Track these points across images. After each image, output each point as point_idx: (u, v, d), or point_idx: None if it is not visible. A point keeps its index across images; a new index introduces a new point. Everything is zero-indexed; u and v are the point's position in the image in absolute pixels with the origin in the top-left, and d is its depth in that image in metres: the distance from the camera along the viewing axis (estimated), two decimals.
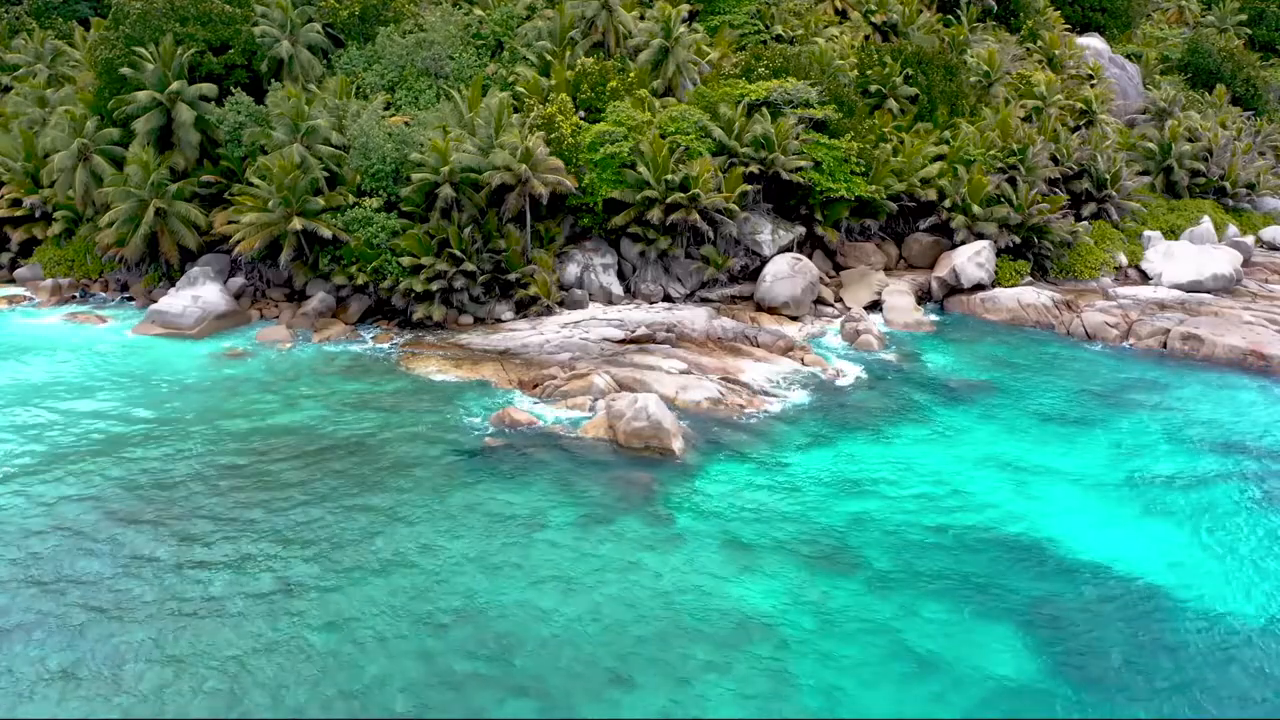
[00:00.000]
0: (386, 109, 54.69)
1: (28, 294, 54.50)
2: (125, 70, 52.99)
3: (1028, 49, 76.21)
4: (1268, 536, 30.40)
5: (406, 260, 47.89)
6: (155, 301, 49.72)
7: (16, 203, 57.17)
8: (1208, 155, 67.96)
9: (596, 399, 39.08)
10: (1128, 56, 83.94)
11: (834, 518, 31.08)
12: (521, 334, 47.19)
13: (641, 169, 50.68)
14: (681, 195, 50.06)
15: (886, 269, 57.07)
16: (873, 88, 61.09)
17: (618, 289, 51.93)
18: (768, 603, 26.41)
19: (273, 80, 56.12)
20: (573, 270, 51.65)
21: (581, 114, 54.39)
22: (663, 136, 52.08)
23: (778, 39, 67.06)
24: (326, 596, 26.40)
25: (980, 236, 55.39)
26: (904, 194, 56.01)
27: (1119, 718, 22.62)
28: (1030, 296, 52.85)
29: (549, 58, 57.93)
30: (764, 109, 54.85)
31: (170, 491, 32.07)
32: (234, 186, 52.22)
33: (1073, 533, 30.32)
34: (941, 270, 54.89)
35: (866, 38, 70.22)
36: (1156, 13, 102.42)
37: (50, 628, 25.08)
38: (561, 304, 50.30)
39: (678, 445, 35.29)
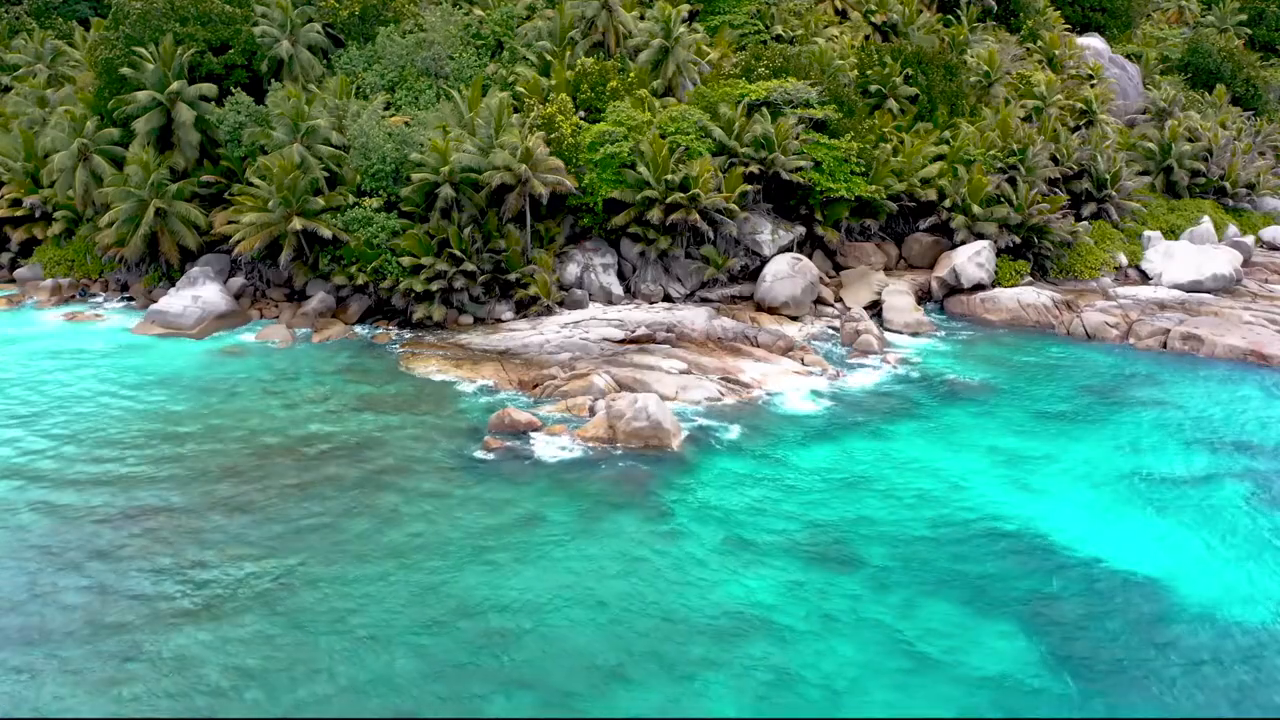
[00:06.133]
0: (386, 109, 54.68)
1: (28, 294, 54.52)
2: (125, 70, 53.02)
3: (1028, 49, 76.21)
4: (1268, 534, 30.39)
5: (406, 260, 47.90)
6: (155, 301, 49.74)
7: (16, 203, 57.19)
8: (1208, 155, 67.95)
9: (596, 399, 39.08)
10: (1128, 56, 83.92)
11: (833, 515, 31.10)
12: (521, 334, 47.19)
13: (641, 169, 50.68)
14: (681, 195, 50.05)
15: (886, 269, 57.05)
16: (873, 88, 61.09)
17: (618, 289, 51.92)
18: (767, 599, 26.41)
19: (273, 80, 56.14)
20: (573, 270, 51.65)
21: (581, 114, 54.39)
22: (663, 136, 52.07)
23: (778, 39, 67.06)
24: (325, 595, 26.39)
25: (980, 236, 55.39)
26: (904, 194, 55.98)
27: (1119, 717, 22.62)
28: (1030, 296, 52.85)
29: (549, 58, 57.95)
30: (764, 109, 54.85)
31: (169, 492, 32.06)
32: (234, 186, 52.24)
33: (1073, 530, 30.31)
34: (941, 270, 54.89)
35: (866, 38, 70.22)
36: (1156, 13, 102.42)
37: (50, 628, 25.08)
38: (561, 304, 50.29)
39: (677, 444, 35.31)
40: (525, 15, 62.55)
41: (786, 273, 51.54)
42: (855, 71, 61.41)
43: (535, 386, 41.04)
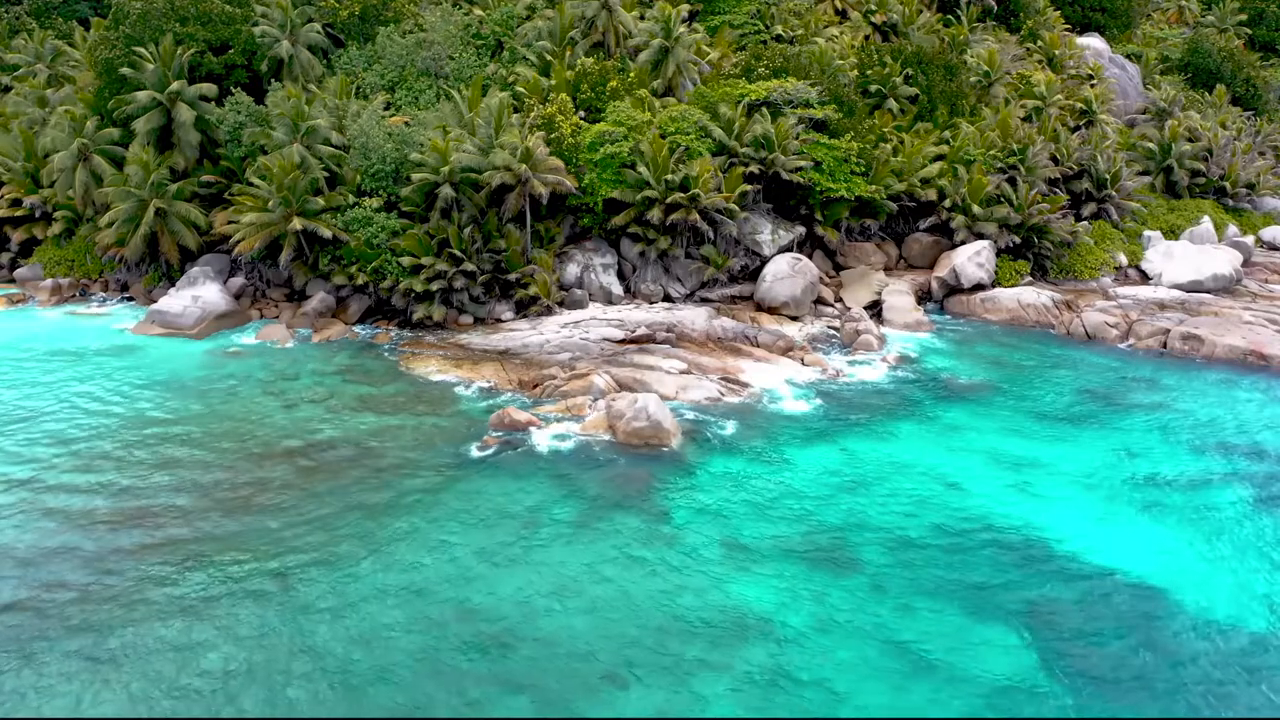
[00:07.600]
0: (386, 109, 54.71)
1: (28, 294, 54.54)
2: (125, 70, 53.04)
3: (1028, 49, 76.19)
4: (1267, 537, 30.38)
5: (406, 260, 47.91)
6: (155, 301, 49.77)
7: (16, 203, 57.26)
8: (1208, 155, 67.96)
9: (596, 399, 39.08)
10: (1128, 56, 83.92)
11: (833, 516, 31.10)
12: (521, 334, 47.20)
13: (641, 169, 50.68)
14: (681, 195, 50.06)
15: (886, 269, 57.06)
16: (873, 88, 61.09)
17: (618, 289, 51.93)
18: (766, 601, 26.42)
19: (273, 80, 56.17)
20: (573, 270, 51.65)
21: (581, 114, 54.40)
22: (663, 136, 52.08)
23: (778, 39, 67.06)
24: (324, 594, 26.39)
25: (980, 236, 55.40)
26: (904, 194, 56.00)
27: (1118, 718, 22.62)
28: (1030, 296, 52.85)
29: (549, 58, 57.95)
30: (764, 109, 54.86)
31: (168, 492, 32.06)
32: (234, 186, 52.26)
33: (1072, 532, 30.31)
34: (941, 270, 54.88)
35: (866, 38, 70.21)
36: (1156, 13, 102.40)
37: (47, 626, 25.09)
38: (561, 304, 50.31)
39: (677, 445, 35.31)
40: (525, 15, 62.55)
41: (786, 273, 51.54)
42: (855, 71, 61.41)
43: (535, 386, 41.04)
